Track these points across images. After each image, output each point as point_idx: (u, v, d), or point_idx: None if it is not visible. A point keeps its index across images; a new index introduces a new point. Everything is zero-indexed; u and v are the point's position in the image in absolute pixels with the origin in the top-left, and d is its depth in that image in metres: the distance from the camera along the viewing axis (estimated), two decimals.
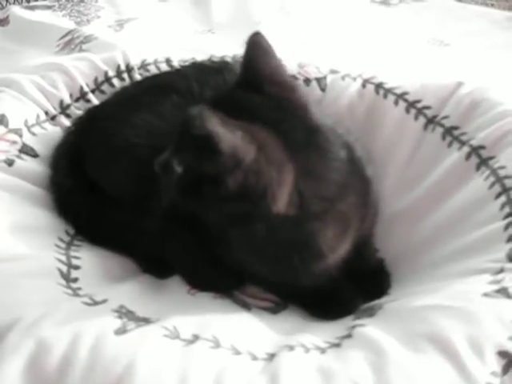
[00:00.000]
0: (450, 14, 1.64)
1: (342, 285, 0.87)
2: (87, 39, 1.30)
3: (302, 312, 0.88)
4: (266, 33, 1.40)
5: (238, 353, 0.72)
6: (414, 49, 1.49)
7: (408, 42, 1.52)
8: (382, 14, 1.64)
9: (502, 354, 0.68)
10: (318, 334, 0.78)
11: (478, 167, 0.95)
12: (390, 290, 0.90)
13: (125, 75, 1.10)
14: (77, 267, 0.86)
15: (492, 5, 1.72)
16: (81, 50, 1.28)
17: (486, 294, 0.75)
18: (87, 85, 1.09)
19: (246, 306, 0.87)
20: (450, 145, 0.99)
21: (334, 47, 1.44)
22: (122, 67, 1.11)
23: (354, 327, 0.78)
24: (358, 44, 1.48)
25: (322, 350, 0.74)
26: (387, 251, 0.94)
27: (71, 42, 1.32)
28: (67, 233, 0.92)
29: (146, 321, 0.76)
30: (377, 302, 0.86)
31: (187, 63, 1.10)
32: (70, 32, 1.36)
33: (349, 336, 0.76)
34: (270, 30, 1.43)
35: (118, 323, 0.73)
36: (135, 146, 0.90)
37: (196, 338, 0.73)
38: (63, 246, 0.89)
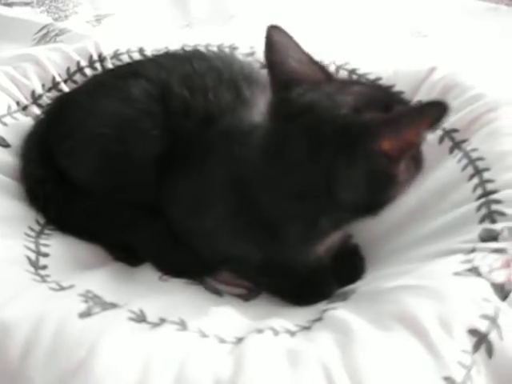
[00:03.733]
0: (429, 5, 1.64)
1: (318, 270, 0.87)
2: (62, 32, 1.30)
3: (275, 298, 0.87)
4: (241, 25, 1.40)
5: (204, 335, 0.71)
6: (393, 39, 1.49)
7: (387, 32, 1.53)
8: (361, 4, 1.64)
9: (473, 331, 0.68)
10: (289, 318, 0.77)
11: (451, 150, 0.95)
12: (365, 275, 0.89)
13: (97, 65, 1.10)
14: (46, 255, 0.85)
15: None
16: (55, 42, 1.27)
17: (456, 273, 0.74)
18: (59, 75, 1.08)
19: (218, 293, 0.86)
20: None
21: (311, 36, 1.43)
22: (95, 57, 1.10)
23: (325, 311, 0.77)
24: (337, 33, 1.48)
25: (292, 333, 0.73)
26: (361, 236, 0.94)
27: (46, 36, 1.32)
28: (38, 222, 0.91)
29: (114, 305, 0.75)
30: (351, 286, 0.85)
31: (161, 52, 1.10)
32: (45, 26, 1.36)
33: (319, 319, 0.76)
34: (245, 23, 1.43)
35: (82, 307, 0.71)
36: (99, 136, 0.89)
37: (162, 321, 0.72)
38: (33, 234, 0.88)
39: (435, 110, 0.68)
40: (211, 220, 0.83)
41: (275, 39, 0.76)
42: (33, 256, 0.84)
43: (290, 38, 0.77)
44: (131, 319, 0.71)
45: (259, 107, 0.84)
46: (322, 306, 0.81)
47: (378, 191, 0.75)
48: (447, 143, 0.96)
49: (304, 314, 0.80)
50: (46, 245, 0.87)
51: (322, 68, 0.80)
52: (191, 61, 0.93)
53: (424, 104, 0.71)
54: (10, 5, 1.52)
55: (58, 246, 0.88)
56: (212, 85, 0.89)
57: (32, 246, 0.85)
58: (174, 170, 0.87)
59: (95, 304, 0.73)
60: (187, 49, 1.11)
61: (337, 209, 0.76)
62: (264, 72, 0.95)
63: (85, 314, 0.70)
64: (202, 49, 1.12)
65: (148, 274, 0.87)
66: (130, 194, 0.87)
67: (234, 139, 0.83)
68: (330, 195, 0.74)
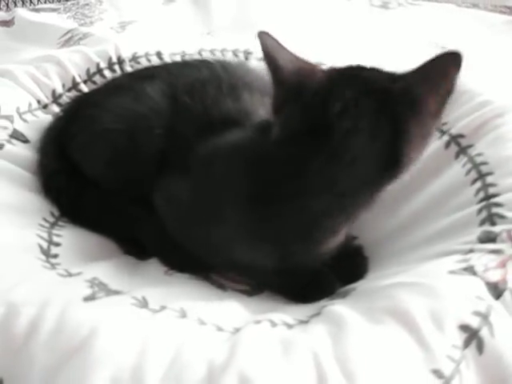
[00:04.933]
0: (448, 17, 1.65)
1: (320, 269, 0.88)
2: (85, 36, 1.34)
3: (277, 295, 0.89)
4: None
5: (203, 323, 0.73)
6: (411, 50, 1.50)
7: (406, 44, 1.54)
8: (381, 17, 1.66)
9: (464, 327, 0.69)
10: (289, 313, 0.79)
11: (457, 155, 0.96)
12: (367, 274, 0.91)
13: (116, 67, 1.14)
14: (58, 244, 0.88)
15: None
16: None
17: (451, 272, 0.75)
18: (79, 76, 1.13)
19: (222, 288, 0.89)
20: None
21: (333, 49, 1.45)
22: (114, 59, 1.15)
23: (324, 306, 0.79)
24: (357, 46, 1.49)
25: (290, 326, 0.75)
26: (365, 237, 0.96)
27: (71, 40, 1.36)
28: (52, 214, 0.95)
29: (118, 293, 0.77)
30: (352, 285, 0.87)
31: (177, 56, 1.14)
32: (70, 31, 1.40)
33: (318, 314, 0.78)
34: (268, 31, 1.45)
35: (88, 291, 0.75)
36: (109, 131, 0.93)
37: (163, 308, 0.74)
38: (47, 225, 0.92)
39: (452, 55, 0.74)
40: (226, 229, 0.84)
41: (268, 42, 0.80)
42: (45, 245, 0.87)
43: (277, 41, 0.80)
44: (133, 305, 0.74)
45: (259, 113, 0.88)
46: (322, 302, 0.83)
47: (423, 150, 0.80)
48: (453, 148, 0.97)
49: (304, 309, 0.82)
50: (58, 235, 0.90)
51: (310, 64, 0.83)
52: (200, 69, 0.96)
53: (438, 56, 0.75)
54: (37, 10, 1.58)
55: (70, 236, 0.91)
56: (213, 93, 0.92)
57: (45, 235, 0.89)
58: (171, 175, 0.89)
59: (100, 290, 0.76)
60: (204, 53, 1.15)
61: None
62: None
63: (89, 298, 0.73)
64: (218, 53, 1.16)
65: (154, 267, 0.90)
66: (137, 189, 0.90)
67: (243, 145, 0.86)
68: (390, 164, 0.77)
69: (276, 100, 0.81)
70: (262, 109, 0.89)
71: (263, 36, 0.79)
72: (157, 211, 0.89)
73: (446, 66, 0.75)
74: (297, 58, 0.81)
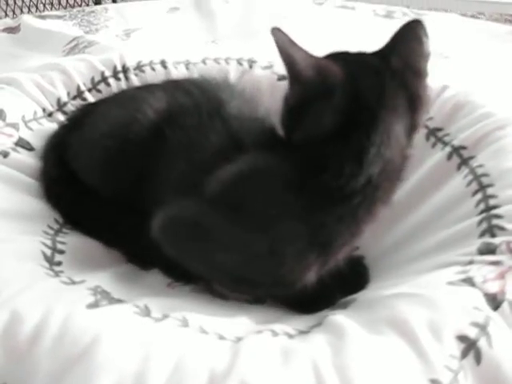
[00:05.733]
0: (452, 27, 1.66)
1: (322, 279, 0.88)
2: (90, 44, 1.35)
3: (280, 305, 0.89)
4: (264, 41, 1.42)
5: (204, 332, 0.74)
6: None
7: None
8: (385, 27, 1.66)
9: (462, 338, 0.70)
10: (291, 323, 0.80)
11: (458, 167, 0.97)
12: (368, 285, 0.92)
13: (121, 75, 1.15)
14: (61, 252, 0.89)
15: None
16: (83, 54, 1.32)
17: (450, 283, 0.76)
18: (84, 84, 1.13)
19: (224, 298, 0.89)
20: (433, 145, 1.02)
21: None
22: (119, 68, 1.15)
23: (325, 317, 0.80)
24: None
25: (291, 336, 0.76)
26: (366, 249, 0.96)
27: (76, 47, 1.37)
28: (56, 221, 0.96)
29: (120, 301, 0.78)
30: (353, 296, 0.88)
31: (181, 65, 1.15)
32: (75, 38, 1.41)
33: (319, 324, 0.79)
34: (268, 39, 1.46)
35: (91, 299, 0.75)
36: (104, 142, 0.94)
37: (165, 316, 0.75)
38: (51, 232, 0.93)
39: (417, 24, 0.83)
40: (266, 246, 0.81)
41: (282, 38, 0.79)
42: (48, 252, 0.88)
43: (290, 37, 0.80)
44: (136, 313, 0.75)
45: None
46: (323, 313, 0.84)
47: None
48: (455, 160, 0.98)
49: (306, 320, 0.82)
50: (62, 242, 0.91)
51: (323, 59, 0.83)
52: (193, 90, 0.97)
53: (402, 28, 0.83)
54: (43, 17, 1.59)
55: (74, 244, 0.92)
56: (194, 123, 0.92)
57: (49, 242, 0.90)
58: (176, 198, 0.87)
59: (103, 298, 0.77)
60: (208, 62, 1.16)
61: None
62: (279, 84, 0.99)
63: (92, 306, 0.74)
64: (223, 62, 1.17)
65: (157, 278, 0.90)
66: (132, 200, 0.92)
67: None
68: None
69: (293, 96, 0.82)
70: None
71: (276, 32, 0.79)
72: (155, 233, 0.86)
73: (416, 32, 0.82)
74: (310, 55, 0.80)
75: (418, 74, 0.83)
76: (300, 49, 0.80)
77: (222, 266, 0.83)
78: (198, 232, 0.84)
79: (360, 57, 0.84)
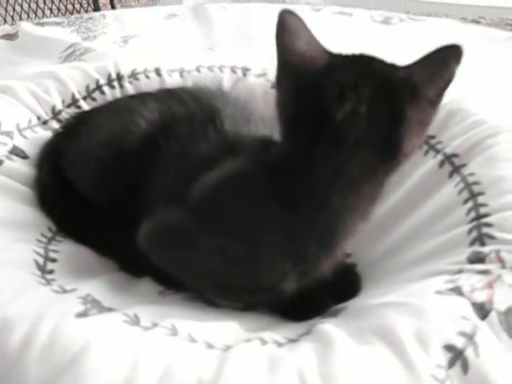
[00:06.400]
0: (451, 33, 1.66)
1: (312, 287, 0.88)
2: (87, 51, 1.36)
3: (270, 313, 0.89)
4: (260, 49, 1.42)
5: (193, 341, 0.74)
6: None
7: (407, 60, 1.54)
8: (382, 33, 1.67)
9: (449, 347, 0.70)
10: (280, 331, 0.80)
11: (450, 175, 0.97)
12: (360, 293, 0.92)
13: (115, 83, 1.15)
14: (54, 260, 0.90)
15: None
16: (80, 61, 1.33)
17: (438, 292, 0.76)
18: (79, 92, 1.14)
19: (215, 305, 0.89)
20: (426, 153, 1.02)
21: None
22: (113, 76, 1.16)
23: (314, 325, 0.80)
24: None
25: (280, 344, 0.76)
26: (358, 257, 0.97)
27: (72, 54, 1.38)
28: (50, 229, 0.96)
29: (110, 310, 0.79)
30: (344, 304, 0.88)
31: (176, 73, 1.15)
32: (72, 45, 1.42)
33: (308, 333, 0.79)
34: (263, 47, 1.46)
35: (80, 308, 0.76)
36: (98, 152, 0.96)
37: (155, 325, 0.76)
38: (44, 240, 0.93)
39: (452, 47, 0.78)
40: (253, 250, 0.82)
41: (288, 21, 0.78)
42: (41, 261, 0.88)
43: (302, 21, 0.79)
44: (125, 322, 0.75)
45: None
46: (314, 321, 0.84)
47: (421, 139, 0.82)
48: (447, 168, 0.98)
49: (296, 328, 0.82)
50: (55, 251, 0.92)
51: (327, 51, 0.81)
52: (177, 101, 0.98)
53: (439, 48, 0.78)
54: (42, 24, 1.60)
55: (67, 252, 0.92)
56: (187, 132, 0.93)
57: (41, 251, 0.90)
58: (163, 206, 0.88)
59: (93, 307, 0.77)
60: (202, 70, 1.17)
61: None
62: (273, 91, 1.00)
63: (81, 315, 0.75)
64: (217, 70, 1.17)
65: (149, 286, 0.91)
66: (126, 209, 0.92)
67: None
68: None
69: (276, 80, 0.81)
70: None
71: (285, 14, 0.78)
72: (141, 242, 0.87)
73: (446, 56, 0.77)
74: (312, 43, 0.79)
75: (419, 96, 0.77)
76: (301, 37, 0.78)
77: (204, 272, 0.84)
78: (181, 239, 0.84)
79: (369, 59, 0.80)
